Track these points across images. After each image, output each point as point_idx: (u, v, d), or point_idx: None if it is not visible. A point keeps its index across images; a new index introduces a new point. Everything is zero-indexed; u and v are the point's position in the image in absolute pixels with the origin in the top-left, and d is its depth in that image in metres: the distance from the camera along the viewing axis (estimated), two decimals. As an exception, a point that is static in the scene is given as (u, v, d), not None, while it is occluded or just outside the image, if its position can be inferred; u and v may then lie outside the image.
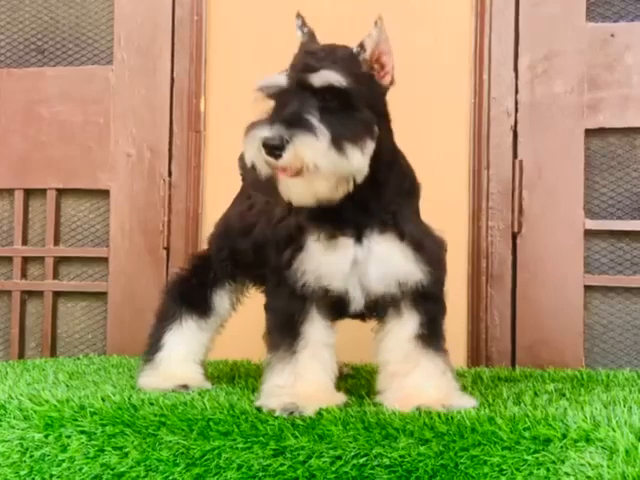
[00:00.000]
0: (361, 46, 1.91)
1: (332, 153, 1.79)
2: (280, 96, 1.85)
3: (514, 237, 2.95)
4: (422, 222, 2.06)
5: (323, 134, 1.77)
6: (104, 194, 3.28)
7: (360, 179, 1.87)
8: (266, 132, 1.78)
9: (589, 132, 2.95)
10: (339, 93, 1.83)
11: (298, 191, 1.85)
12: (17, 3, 3.41)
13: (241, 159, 2.40)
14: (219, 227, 2.41)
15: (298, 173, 1.80)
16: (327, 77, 1.82)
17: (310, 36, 2.00)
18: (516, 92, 2.97)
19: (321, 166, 1.78)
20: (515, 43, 2.98)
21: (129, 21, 3.25)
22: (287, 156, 1.77)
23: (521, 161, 2.95)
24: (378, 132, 1.89)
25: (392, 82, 1.97)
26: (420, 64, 3.01)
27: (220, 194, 3.09)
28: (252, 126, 1.83)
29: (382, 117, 1.95)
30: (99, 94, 3.27)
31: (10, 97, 3.34)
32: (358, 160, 1.83)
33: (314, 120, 1.79)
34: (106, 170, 3.25)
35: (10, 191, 3.36)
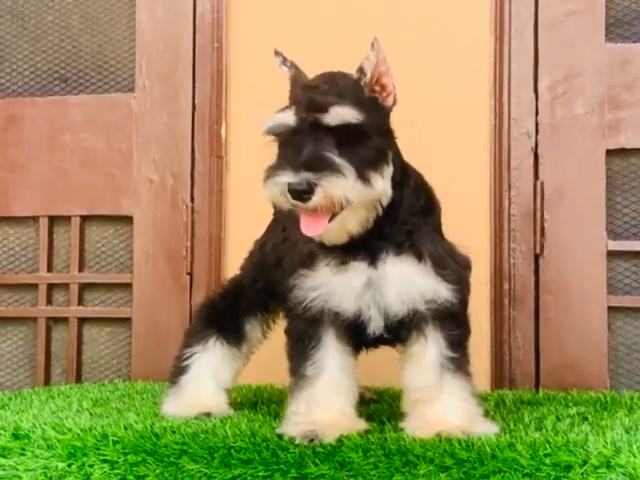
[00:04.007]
0: (360, 70, 1.90)
1: (359, 185, 1.80)
2: (292, 136, 1.84)
3: (536, 259, 2.94)
4: (444, 240, 2.05)
5: (349, 171, 1.78)
6: (127, 220, 3.30)
7: (386, 202, 1.89)
8: (290, 178, 1.77)
9: (610, 152, 2.94)
10: (355, 128, 1.83)
11: (332, 235, 1.87)
12: (40, 33, 3.45)
13: None
14: (254, 256, 2.40)
15: (329, 215, 1.82)
16: (341, 115, 1.82)
17: (295, 69, 2.00)
18: (536, 113, 2.97)
19: (352, 199, 1.79)
20: (534, 65, 2.98)
21: (150, 49, 3.28)
22: (316, 198, 1.77)
23: (542, 182, 2.95)
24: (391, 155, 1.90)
25: (395, 102, 1.96)
26: (440, 86, 3.02)
27: (243, 219, 3.13)
28: (272, 172, 1.82)
29: (388, 137, 1.95)
30: (121, 121, 3.30)
31: (34, 125, 3.37)
32: (381, 185, 1.86)
33: (336, 159, 1.79)
34: (129, 196, 3.28)
35: (35, 218, 3.39)
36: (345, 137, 1.82)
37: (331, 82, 1.90)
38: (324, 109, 1.82)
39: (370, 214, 1.89)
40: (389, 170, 1.89)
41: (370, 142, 1.85)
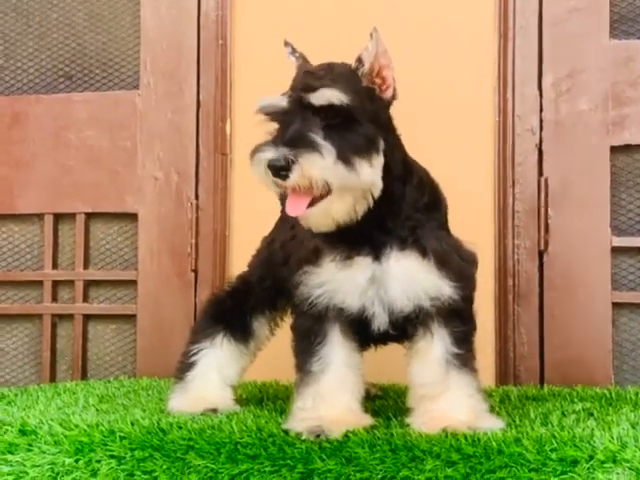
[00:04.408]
0: (359, 60, 1.91)
1: (340, 168, 1.79)
2: (282, 116, 1.85)
3: (540, 255, 2.95)
4: (450, 236, 2.05)
5: (328, 151, 1.78)
6: (132, 217, 3.31)
7: (377, 193, 1.88)
8: (270, 154, 1.79)
9: (614, 149, 2.94)
10: (340, 110, 1.83)
11: (315, 219, 1.86)
12: (45, 30, 3.46)
13: None
14: (261, 253, 2.40)
15: (313, 200, 1.81)
16: (327, 96, 1.83)
17: (303, 59, 2.02)
18: (541, 110, 2.97)
19: (332, 182, 1.79)
20: (539, 61, 2.98)
21: (155, 46, 3.29)
22: (294, 176, 1.77)
23: (546, 179, 2.95)
24: (384, 146, 1.89)
25: (394, 96, 1.96)
26: (444, 83, 3.02)
27: (247, 216, 3.14)
28: (257, 149, 1.83)
29: (387, 131, 1.94)
30: (126, 118, 3.31)
31: (39, 123, 3.38)
32: (367, 173, 1.84)
33: (318, 138, 1.79)
34: (134, 193, 3.28)
35: (40, 216, 3.39)
36: (333, 120, 1.83)
37: (328, 69, 1.92)
38: (313, 90, 1.84)
39: (359, 204, 1.87)
40: (379, 159, 1.87)
41: (360, 129, 1.85)
